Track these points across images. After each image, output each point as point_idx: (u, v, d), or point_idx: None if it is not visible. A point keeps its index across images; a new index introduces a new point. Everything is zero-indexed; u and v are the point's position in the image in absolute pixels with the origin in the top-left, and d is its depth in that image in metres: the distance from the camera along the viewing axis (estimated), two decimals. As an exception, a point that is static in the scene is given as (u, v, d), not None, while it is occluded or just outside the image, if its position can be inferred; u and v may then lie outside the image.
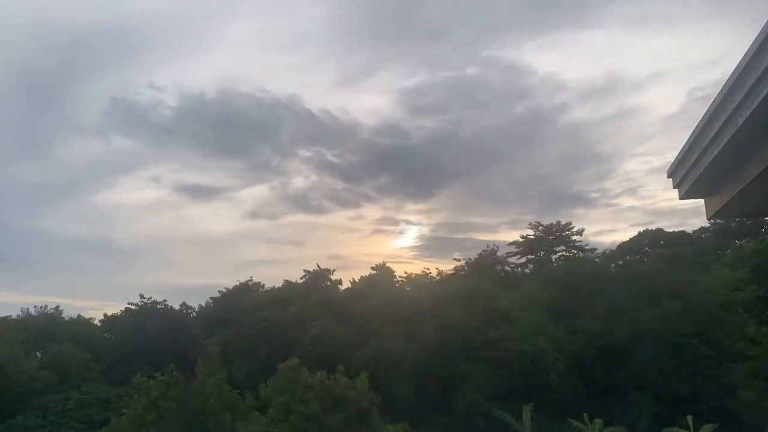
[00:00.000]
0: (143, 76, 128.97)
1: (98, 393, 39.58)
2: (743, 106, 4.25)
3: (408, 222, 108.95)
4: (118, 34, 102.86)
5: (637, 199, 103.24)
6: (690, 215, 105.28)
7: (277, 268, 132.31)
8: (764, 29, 3.72)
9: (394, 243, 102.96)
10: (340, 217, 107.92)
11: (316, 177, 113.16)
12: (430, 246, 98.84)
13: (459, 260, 62.01)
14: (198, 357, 24.51)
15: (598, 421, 20.43)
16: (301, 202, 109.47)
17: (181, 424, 21.67)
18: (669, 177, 6.49)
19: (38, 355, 46.11)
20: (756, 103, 4.06)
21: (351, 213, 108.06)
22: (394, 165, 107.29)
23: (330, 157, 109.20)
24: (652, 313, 36.56)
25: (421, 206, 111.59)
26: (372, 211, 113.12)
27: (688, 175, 5.95)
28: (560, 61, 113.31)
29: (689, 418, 14.41)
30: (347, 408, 22.31)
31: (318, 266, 50.84)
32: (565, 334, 39.72)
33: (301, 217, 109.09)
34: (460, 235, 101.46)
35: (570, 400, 34.92)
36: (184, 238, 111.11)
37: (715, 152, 5.03)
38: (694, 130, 5.39)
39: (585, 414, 20.53)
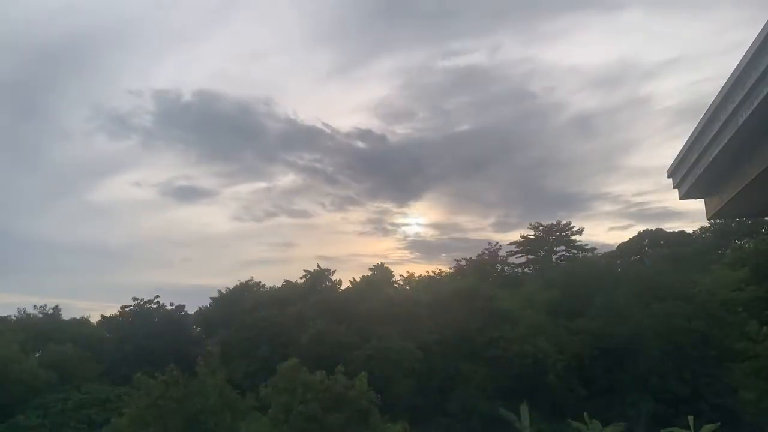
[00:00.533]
0: (135, 82, 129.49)
1: (98, 393, 39.55)
2: (743, 106, 4.24)
3: (393, 224, 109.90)
4: (102, 40, 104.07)
5: (612, 203, 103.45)
6: (664, 220, 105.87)
7: (264, 270, 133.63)
8: (764, 29, 3.71)
9: (379, 245, 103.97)
10: (326, 219, 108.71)
11: (301, 181, 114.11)
12: (414, 247, 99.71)
13: (459, 260, 62.08)
14: (198, 357, 24.50)
15: (596, 423, 20.48)
16: (287, 206, 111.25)
17: (181, 423, 21.66)
18: (669, 177, 6.47)
19: (38, 355, 46.08)
20: (756, 103, 4.05)
21: (337, 216, 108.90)
22: (377, 169, 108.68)
23: (314, 162, 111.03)
24: (652, 311, 36.53)
25: (405, 209, 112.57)
26: (357, 214, 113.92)
27: (688, 175, 5.93)
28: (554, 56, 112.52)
29: (690, 418, 14.43)
30: (347, 408, 22.31)
31: (318, 266, 50.85)
32: (565, 335, 39.70)
33: (287, 220, 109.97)
34: (445, 237, 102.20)
35: (570, 400, 34.95)
36: (173, 240, 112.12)
37: (715, 152, 5.01)
38: (694, 130, 5.38)
39: (585, 413, 20.59)
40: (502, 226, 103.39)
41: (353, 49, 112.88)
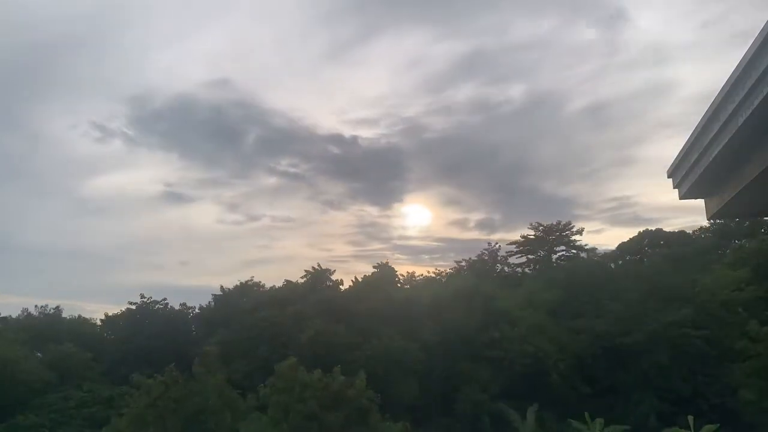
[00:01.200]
0: (117, 87, 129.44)
1: (98, 392, 39.59)
2: (743, 106, 4.24)
3: (376, 225, 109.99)
4: (80, 46, 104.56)
5: (586, 208, 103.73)
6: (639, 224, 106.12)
7: (251, 272, 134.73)
8: (764, 29, 3.71)
9: (363, 247, 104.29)
10: (310, 222, 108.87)
11: (284, 184, 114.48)
12: (398, 249, 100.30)
13: (458, 261, 62.10)
14: (196, 357, 24.57)
15: (599, 421, 20.45)
16: (269, 209, 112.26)
17: (180, 423, 21.69)
18: (669, 177, 6.46)
19: (38, 354, 46.10)
20: (756, 103, 4.04)
21: (321, 218, 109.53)
22: (358, 172, 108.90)
23: (293, 166, 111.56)
24: (662, 316, 36.47)
25: (388, 212, 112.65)
26: (340, 217, 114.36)
27: (688, 175, 5.93)
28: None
29: (690, 418, 14.39)
30: (346, 406, 22.34)
31: (319, 266, 50.85)
32: (567, 335, 39.72)
33: (270, 223, 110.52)
34: (429, 238, 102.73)
35: (572, 400, 34.96)
36: (164, 242, 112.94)
37: (715, 152, 5.01)
38: (694, 130, 5.37)
39: (586, 413, 20.55)
40: (486, 227, 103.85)
41: (333, 51, 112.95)
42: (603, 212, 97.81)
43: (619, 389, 36.90)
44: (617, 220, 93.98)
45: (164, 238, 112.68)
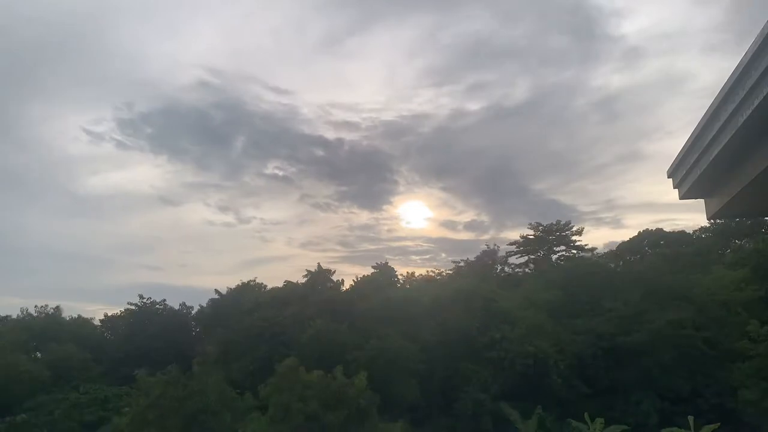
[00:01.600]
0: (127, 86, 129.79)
1: (97, 392, 39.57)
2: (743, 106, 4.25)
3: (366, 227, 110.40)
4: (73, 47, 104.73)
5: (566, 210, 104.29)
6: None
7: (245, 273, 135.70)
8: (764, 29, 3.71)
9: (353, 248, 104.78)
10: (300, 222, 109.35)
11: (274, 186, 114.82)
12: (388, 250, 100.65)
13: (458, 262, 62.10)
14: (196, 357, 24.61)
15: (599, 421, 20.45)
16: (260, 211, 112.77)
17: (181, 422, 21.68)
18: (669, 177, 6.47)
19: (38, 355, 46.10)
20: (756, 103, 4.05)
21: (312, 219, 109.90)
22: (347, 174, 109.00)
23: (284, 168, 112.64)
24: (662, 316, 36.46)
25: (377, 214, 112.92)
26: (329, 219, 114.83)
27: (688, 175, 5.94)
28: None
29: (690, 418, 14.43)
30: (346, 406, 22.34)
31: (319, 266, 50.79)
32: (567, 335, 39.66)
33: (260, 225, 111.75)
34: (420, 239, 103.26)
35: (572, 400, 34.94)
36: (158, 243, 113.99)
37: (715, 152, 5.02)
38: (694, 130, 5.38)
39: (586, 413, 20.57)
40: (476, 228, 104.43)
41: (327, 48, 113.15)
42: (587, 214, 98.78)
43: (619, 389, 36.84)
44: (602, 222, 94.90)
45: (162, 239, 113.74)
